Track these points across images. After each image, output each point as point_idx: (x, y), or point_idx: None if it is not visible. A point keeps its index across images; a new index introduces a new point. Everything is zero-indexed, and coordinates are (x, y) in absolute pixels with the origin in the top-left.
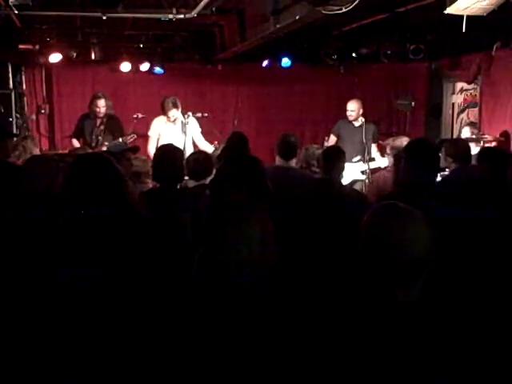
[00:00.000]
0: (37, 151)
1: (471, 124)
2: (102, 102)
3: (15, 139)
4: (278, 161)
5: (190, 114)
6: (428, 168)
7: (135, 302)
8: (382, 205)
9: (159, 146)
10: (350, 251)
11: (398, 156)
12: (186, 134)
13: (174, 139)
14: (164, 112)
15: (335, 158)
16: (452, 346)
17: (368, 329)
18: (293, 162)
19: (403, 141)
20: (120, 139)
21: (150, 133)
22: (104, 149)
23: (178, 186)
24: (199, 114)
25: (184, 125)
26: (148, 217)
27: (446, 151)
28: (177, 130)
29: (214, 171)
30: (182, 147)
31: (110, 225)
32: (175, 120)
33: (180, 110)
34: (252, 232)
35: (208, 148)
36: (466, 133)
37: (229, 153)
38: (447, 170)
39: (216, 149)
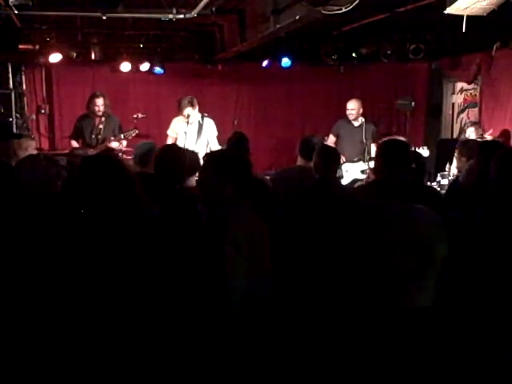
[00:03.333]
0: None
1: (475, 124)
2: (100, 101)
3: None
4: (300, 161)
5: (206, 114)
6: (401, 168)
7: (141, 302)
8: (399, 207)
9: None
10: (354, 252)
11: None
12: (201, 135)
13: (190, 139)
14: (180, 111)
15: (330, 159)
16: (465, 350)
17: (381, 334)
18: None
19: None
20: (122, 135)
21: (168, 131)
22: (112, 144)
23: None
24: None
25: (200, 126)
26: (156, 216)
27: (460, 152)
28: (193, 130)
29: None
30: (195, 147)
31: (118, 224)
32: (189, 118)
33: (197, 109)
34: (239, 232)
35: None
36: (470, 133)
37: None
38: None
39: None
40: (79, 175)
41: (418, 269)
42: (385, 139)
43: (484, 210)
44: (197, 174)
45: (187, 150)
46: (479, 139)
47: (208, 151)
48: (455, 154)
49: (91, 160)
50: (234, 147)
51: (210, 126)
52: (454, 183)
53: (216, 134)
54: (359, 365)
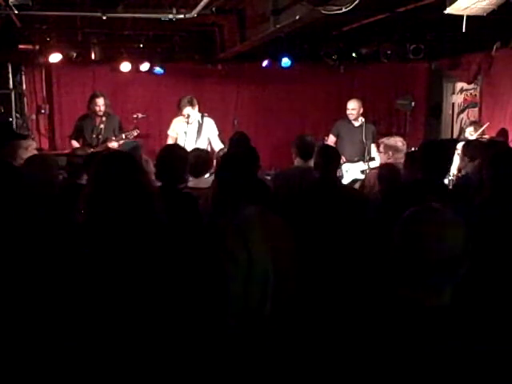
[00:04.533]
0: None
1: (474, 123)
2: (101, 101)
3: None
4: (298, 161)
5: (206, 114)
6: (440, 169)
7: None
8: (417, 208)
9: (163, 145)
10: (362, 251)
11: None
12: (200, 134)
13: (190, 139)
14: (180, 110)
15: (330, 158)
16: (484, 350)
17: (398, 334)
18: (311, 163)
19: (397, 140)
20: (123, 135)
21: (169, 132)
22: (112, 144)
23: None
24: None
25: (200, 125)
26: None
27: (463, 152)
28: (193, 130)
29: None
30: (194, 147)
31: (125, 227)
32: (189, 118)
33: (196, 108)
34: (254, 233)
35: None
36: (469, 132)
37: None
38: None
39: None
40: (96, 170)
41: (430, 267)
42: (428, 141)
43: (479, 211)
44: (207, 174)
45: (199, 149)
46: (480, 139)
47: (208, 150)
48: (458, 154)
49: (113, 156)
50: (235, 147)
51: (209, 125)
52: (462, 182)
53: (217, 132)
54: (369, 364)
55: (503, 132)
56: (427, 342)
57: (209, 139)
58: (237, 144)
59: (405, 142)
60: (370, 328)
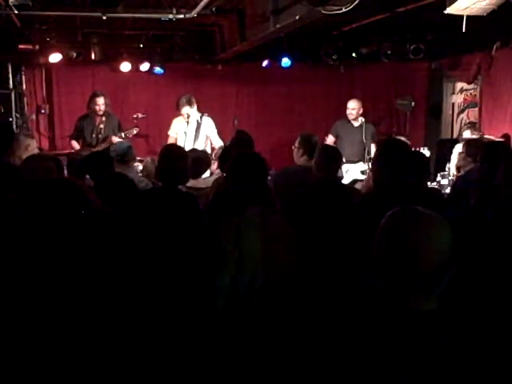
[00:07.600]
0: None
1: (471, 126)
2: (101, 100)
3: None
4: (304, 160)
5: (206, 114)
6: (403, 168)
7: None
8: (402, 209)
9: (163, 146)
10: (356, 253)
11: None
12: (199, 134)
13: (189, 138)
14: (178, 109)
15: (332, 158)
16: (472, 355)
17: (384, 338)
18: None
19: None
20: (122, 134)
21: (169, 132)
22: (114, 139)
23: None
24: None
25: (198, 124)
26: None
27: (467, 151)
28: (191, 130)
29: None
30: (193, 146)
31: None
32: (189, 118)
33: (195, 107)
34: (249, 229)
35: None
36: (467, 135)
37: (229, 152)
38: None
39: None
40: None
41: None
42: (383, 139)
43: (493, 213)
44: (207, 174)
45: (196, 150)
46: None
47: (208, 148)
48: (458, 153)
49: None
50: (236, 146)
51: (208, 124)
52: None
53: (215, 130)
54: (359, 365)
55: (505, 135)
56: (414, 348)
57: (208, 137)
58: (237, 144)
59: (408, 141)
60: (356, 331)
